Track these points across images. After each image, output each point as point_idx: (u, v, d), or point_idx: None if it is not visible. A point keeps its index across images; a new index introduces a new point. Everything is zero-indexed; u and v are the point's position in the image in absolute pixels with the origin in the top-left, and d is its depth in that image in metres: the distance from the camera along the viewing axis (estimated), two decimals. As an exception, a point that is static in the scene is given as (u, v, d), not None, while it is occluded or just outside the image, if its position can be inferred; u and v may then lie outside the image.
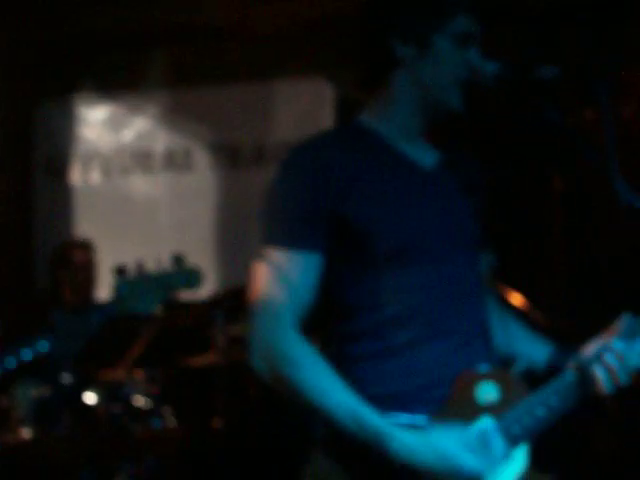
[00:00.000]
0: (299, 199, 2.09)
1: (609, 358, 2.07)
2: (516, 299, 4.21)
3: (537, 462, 2.14)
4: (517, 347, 2.32)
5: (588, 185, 4.56)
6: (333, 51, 5.34)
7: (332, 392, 2.00)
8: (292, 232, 2.08)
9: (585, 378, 2.08)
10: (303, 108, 5.39)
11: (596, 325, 2.20)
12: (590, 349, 2.13)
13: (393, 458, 1.96)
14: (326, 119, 5.30)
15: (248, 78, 5.56)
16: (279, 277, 2.07)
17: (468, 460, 1.96)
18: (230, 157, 5.52)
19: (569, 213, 4.88)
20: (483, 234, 2.25)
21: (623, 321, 2.13)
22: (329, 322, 2.14)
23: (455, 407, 2.06)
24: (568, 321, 4.00)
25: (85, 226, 5.56)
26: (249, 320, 2.11)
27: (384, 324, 2.09)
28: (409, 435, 1.97)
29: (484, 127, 4.24)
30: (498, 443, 2.02)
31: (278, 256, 2.08)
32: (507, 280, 4.01)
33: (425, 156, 2.22)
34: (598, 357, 2.08)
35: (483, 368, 2.11)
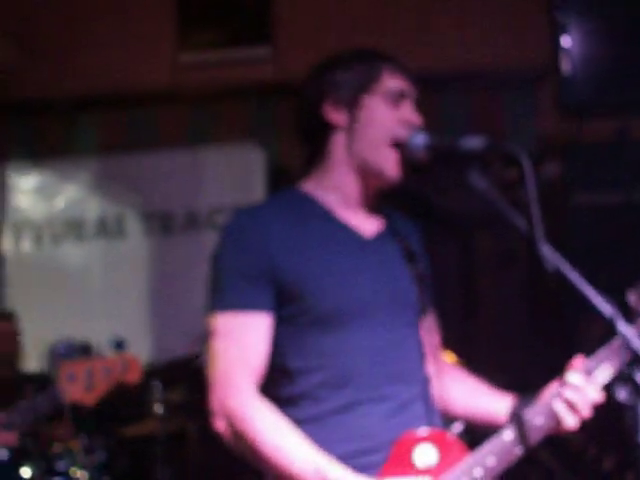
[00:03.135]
0: (242, 262, 2.13)
1: (568, 393, 2.13)
2: (448, 357, 4.26)
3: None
4: (477, 404, 2.36)
5: (514, 246, 4.68)
6: (264, 116, 5.41)
7: (292, 447, 2.03)
8: (239, 294, 2.12)
9: (522, 433, 2.12)
10: (234, 173, 5.42)
11: (529, 380, 2.25)
12: (547, 392, 2.19)
13: None
14: (257, 184, 5.34)
15: (179, 144, 5.59)
16: (231, 340, 2.11)
17: None
18: (162, 223, 5.51)
19: (496, 273, 4.99)
20: (424, 298, 2.31)
21: (578, 360, 2.20)
22: (269, 386, 2.16)
23: (394, 471, 2.08)
24: (500, 378, 4.05)
25: (16, 296, 5.49)
26: (206, 386, 2.13)
27: (321, 387, 2.12)
28: None
29: (414, 192, 4.33)
30: None
31: (228, 319, 2.12)
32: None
33: (366, 224, 2.28)
34: (557, 394, 2.14)
35: (421, 431, 2.14)
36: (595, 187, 4.72)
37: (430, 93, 4.90)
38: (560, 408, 2.13)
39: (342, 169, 2.25)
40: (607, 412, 2.15)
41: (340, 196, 2.26)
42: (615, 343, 2.17)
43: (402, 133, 2.19)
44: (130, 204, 5.53)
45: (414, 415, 2.18)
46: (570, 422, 2.13)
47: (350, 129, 2.23)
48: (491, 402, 2.34)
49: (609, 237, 4.57)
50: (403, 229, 2.37)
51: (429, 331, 2.36)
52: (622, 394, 1.81)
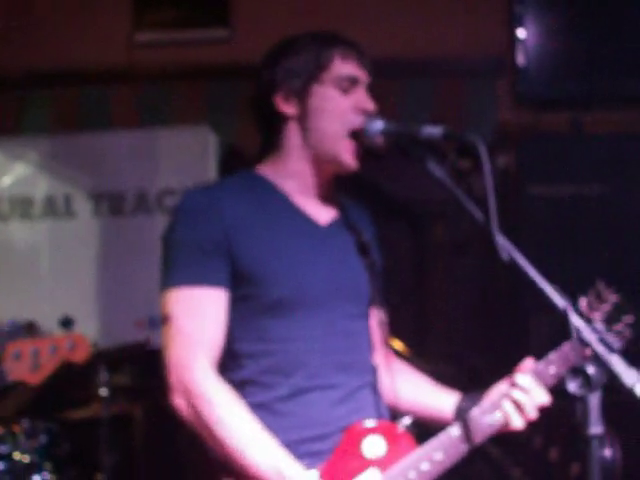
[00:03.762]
0: (196, 237, 2.09)
1: (516, 394, 2.14)
2: (398, 345, 4.25)
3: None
4: (423, 399, 2.35)
5: (468, 235, 4.69)
6: (220, 99, 5.36)
7: (251, 440, 2.01)
8: (194, 269, 2.09)
9: (469, 430, 2.12)
10: (186, 156, 5.35)
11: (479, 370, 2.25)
12: (495, 391, 2.20)
13: None
14: (210, 168, 5.29)
15: (132, 124, 5.51)
16: (188, 316, 2.07)
17: None
18: (112, 204, 5.44)
19: (449, 261, 4.99)
20: (375, 289, 2.28)
21: (528, 362, 2.21)
22: (218, 370, 2.13)
23: (342, 460, 2.07)
24: (450, 367, 4.06)
25: (-38, 274, 5.39)
26: (164, 360, 2.09)
27: (268, 373, 2.11)
28: None
29: (367, 179, 4.32)
30: None
31: (185, 295, 2.08)
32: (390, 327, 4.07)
33: (321, 212, 2.25)
34: (505, 395, 2.15)
35: (371, 422, 2.13)
36: (549, 179, 4.74)
37: (392, 80, 4.93)
38: (508, 408, 2.15)
39: (297, 157, 2.23)
40: (553, 403, 2.17)
41: (296, 183, 2.24)
42: (566, 347, 2.18)
43: (357, 120, 2.17)
44: (79, 184, 5.43)
45: (362, 404, 2.17)
46: (517, 422, 2.16)
47: (302, 119, 2.21)
48: (437, 398, 2.34)
49: (562, 229, 4.60)
50: (358, 220, 2.36)
51: (378, 322, 2.35)
52: (573, 386, 1.80)
